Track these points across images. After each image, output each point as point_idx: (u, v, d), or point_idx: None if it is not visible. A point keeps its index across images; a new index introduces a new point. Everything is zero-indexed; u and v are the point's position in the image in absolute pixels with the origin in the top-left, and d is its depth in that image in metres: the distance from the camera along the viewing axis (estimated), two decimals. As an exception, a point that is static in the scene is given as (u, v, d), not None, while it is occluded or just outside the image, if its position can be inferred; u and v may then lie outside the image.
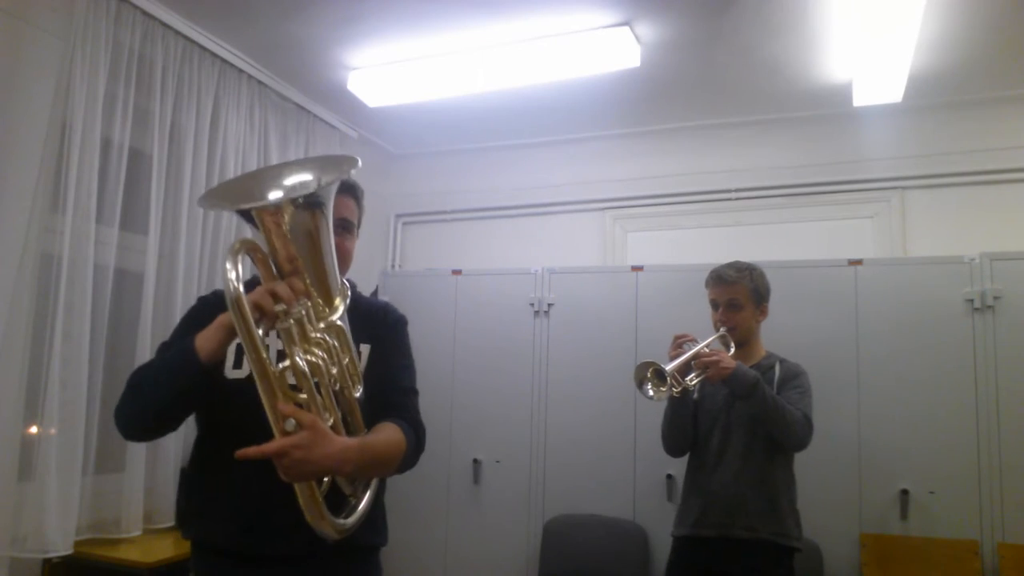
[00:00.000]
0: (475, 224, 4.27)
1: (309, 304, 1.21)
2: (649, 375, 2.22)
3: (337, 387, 1.26)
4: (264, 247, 1.21)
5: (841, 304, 2.98)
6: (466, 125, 3.92)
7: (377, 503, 1.49)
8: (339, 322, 1.29)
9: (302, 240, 1.22)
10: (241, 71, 3.11)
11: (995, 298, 2.79)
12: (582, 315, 3.36)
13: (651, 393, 2.21)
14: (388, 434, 1.40)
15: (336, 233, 1.41)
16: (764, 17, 2.74)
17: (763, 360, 2.40)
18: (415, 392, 1.58)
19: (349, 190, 1.56)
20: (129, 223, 2.66)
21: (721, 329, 2.39)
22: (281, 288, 1.17)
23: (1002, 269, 2.81)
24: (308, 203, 1.20)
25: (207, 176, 2.91)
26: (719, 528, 2.24)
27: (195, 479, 1.50)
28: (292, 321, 1.16)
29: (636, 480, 3.15)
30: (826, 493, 2.85)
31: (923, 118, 3.44)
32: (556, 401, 3.34)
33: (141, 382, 1.36)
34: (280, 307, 1.15)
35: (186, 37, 2.82)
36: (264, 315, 1.16)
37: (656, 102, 3.55)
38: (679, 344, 2.30)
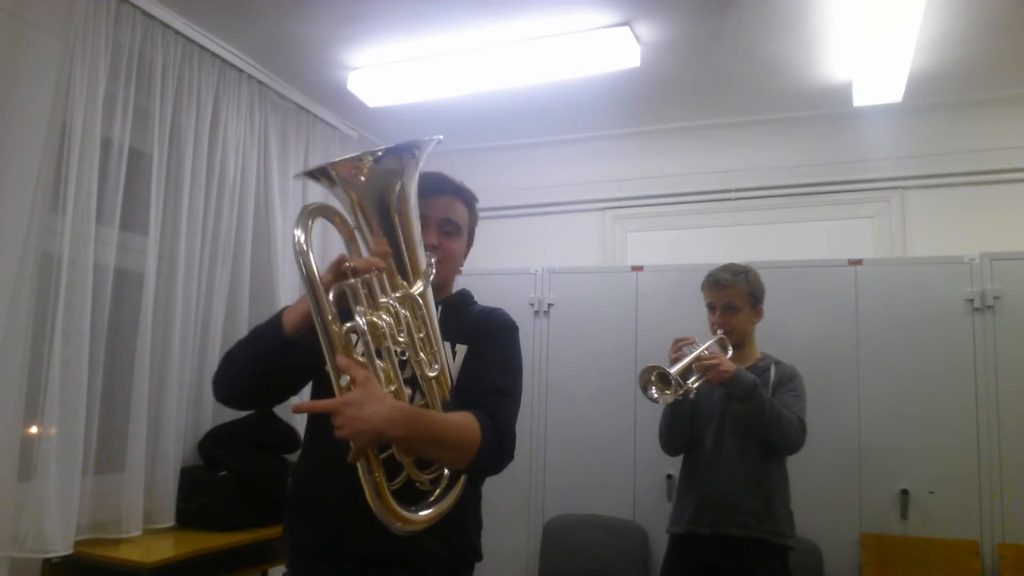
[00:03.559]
0: (475, 224, 4.26)
1: (382, 271, 1.24)
2: (653, 378, 2.24)
3: (405, 356, 1.26)
4: (347, 216, 1.26)
5: (841, 304, 2.98)
6: (466, 125, 3.91)
7: (468, 513, 1.49)
8: (418, 297, 1.29)
9: (381, 211, 1.26)
10: (241, 71, 3.11)
11: (995, 298, 2.80)
12: (582, 315, 3.36)
13: (655, 396, 2.24)
14: (455, 416, 1.31)
15: (443, 232, 1.50)
16: (764, 17, 2.74)
17: (759, 362, 2.41)
18: (508, 395, 1.45)
19: (459, 193, 1.57)
20: (129, 223, 2.65)
21: (719, 332, 2.40)
22: (356, 253, 1.24)
23: (1002, 269, 2.81)
24: (387, 154, 1.24)
25: (207, 176, 2.90)
26: (714, 526, 2.26)
27: (295, 477, 1.54)
28: (359, 281, 1.20)
29: (636, 480, 3.15)
30: (826, 493, 2.85)
31: (923, 118, 3.43)
32: (556, 401, 3.33)
33: (233, 348, 1.43)
34: (347, 265, 1.19)
35: (186, 37, 2.82)
36: (333, 275, 1.20)
37: (656, 102, 3.55)
38: (679, 347, 2.31)
